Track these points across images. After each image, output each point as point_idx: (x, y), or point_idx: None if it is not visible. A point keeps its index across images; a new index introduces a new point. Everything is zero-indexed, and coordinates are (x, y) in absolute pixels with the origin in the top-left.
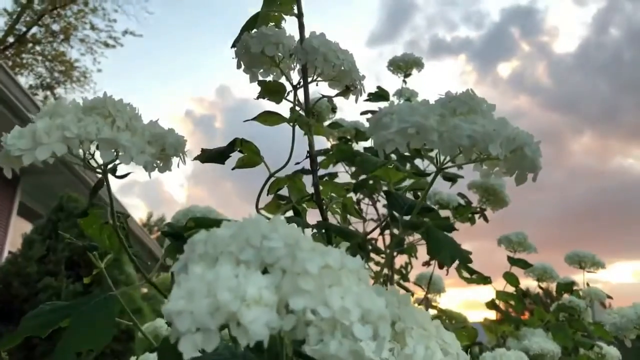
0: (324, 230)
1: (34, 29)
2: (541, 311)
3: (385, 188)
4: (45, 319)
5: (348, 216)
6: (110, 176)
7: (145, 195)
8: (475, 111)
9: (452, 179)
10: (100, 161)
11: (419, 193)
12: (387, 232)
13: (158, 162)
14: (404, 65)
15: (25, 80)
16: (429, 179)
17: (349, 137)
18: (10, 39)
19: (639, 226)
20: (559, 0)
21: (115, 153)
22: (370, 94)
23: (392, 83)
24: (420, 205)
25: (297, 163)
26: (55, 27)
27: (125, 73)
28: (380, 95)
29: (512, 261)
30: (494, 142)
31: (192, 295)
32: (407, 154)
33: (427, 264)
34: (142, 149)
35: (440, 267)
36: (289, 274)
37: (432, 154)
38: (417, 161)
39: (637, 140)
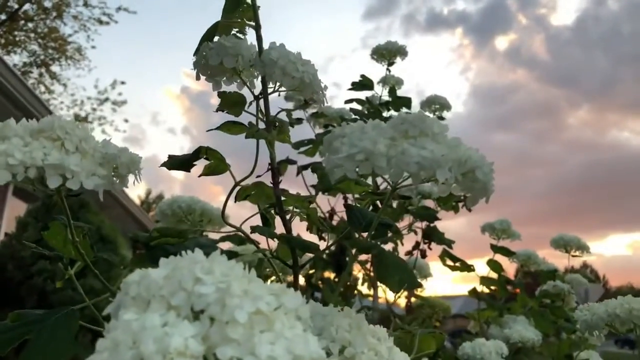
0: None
1: (26, 6)
2: (524, 298)
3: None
4: (8, 335)
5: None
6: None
7: (144, 172)
8: (427, 134)
9: (408, 197)
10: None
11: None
12: None
13: (114, 180)
14: (387, 54)
15: (19, 58)
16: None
17: (334, 125)
18: (2, 17)
19: (633, 199)
20: None
21: (63, 178)
22: (354, 83)
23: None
24: (377, 221)
25: (259, 176)
26: (48, 3)
27: (119, 49)
28: (364, 84)
29: (495, 249)
30: (441, 167)
31: (117, 346)
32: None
33: (409, 253)
34: (92, 172)
35: (423, 256)
36: (217, 322)
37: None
38: None
39: (634, 113)
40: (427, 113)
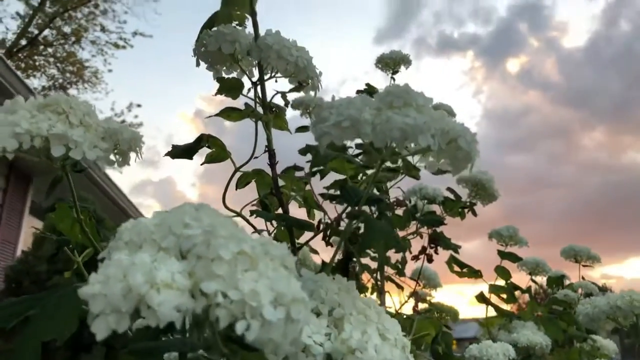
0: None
1: (46, 32)
2: (533, 304)
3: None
4: (11, 310)
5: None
6: (120, 178)
7: (159, 194)
8: (410, 105)
9: (393, 170)
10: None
11: (382, 186)
12: None
13: (117, 157)
14: (391, 63)
15: (38, 82)
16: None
17: None
18: (23, 42)
19: None
20: None
21: (66, 148)
22: (359, 91)
23: (406, 79)
24: (367, 196)
25: (256, 157)
26: (67, 29)
27: (135, 73)
28: (369, 92)
29: (502, 255)
30: (423, 133)
31: (108, 279)
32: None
33: (415, 258)
34: (94, 144)
35: (429, 260)
36: (203, 259)
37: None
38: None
39: None
40: None
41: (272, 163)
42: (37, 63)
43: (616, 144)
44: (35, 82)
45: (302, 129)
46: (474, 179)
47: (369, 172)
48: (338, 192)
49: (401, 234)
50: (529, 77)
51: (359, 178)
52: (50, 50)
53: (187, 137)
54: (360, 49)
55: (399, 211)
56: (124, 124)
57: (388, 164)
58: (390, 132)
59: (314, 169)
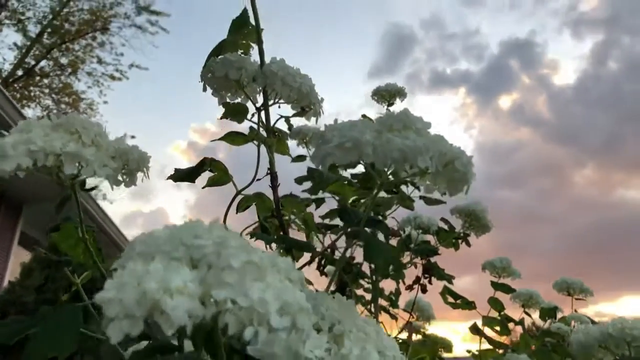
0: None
1: (43, 63)
2: (526, 336)
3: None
4: (13, 328)
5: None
6: (111, 209)
7: (149, 226)
8: (410, 128)
9: (395, 192)
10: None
11: (381, 213)
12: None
13: (124, 177)
14: (387, 95)
15: (32, 112)
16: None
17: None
18: (19, 72)
19: None
20: (557, 34)
21: (79, 166)
22: None
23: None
24: (367, 217)
25: (259, 179)
26: (64, 60)
27: (130, 105)
28: None
29: (496, 286)
30: (422, 155)
31: (123, 286)
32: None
33: (409, 287)
34: (104, 163)
35: (424, 291)
36: (214, 268)
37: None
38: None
39: (639, 172)
40: None
41: (274, 185)
42: (32, 94)
43: (606, 181)
44: (29, 113)
45: (299, 158)
46: (468, 210)
47: (364, 198)
48: (334, 221)
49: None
50: (520, 113)
51: (359, 202)
52: (46, 81)
53: (179, 167)
54: (354, 84)
55: (393, 241)
56: (134, 145)
57: (383, 194)
58: (390, 153)
59: (317, 193)
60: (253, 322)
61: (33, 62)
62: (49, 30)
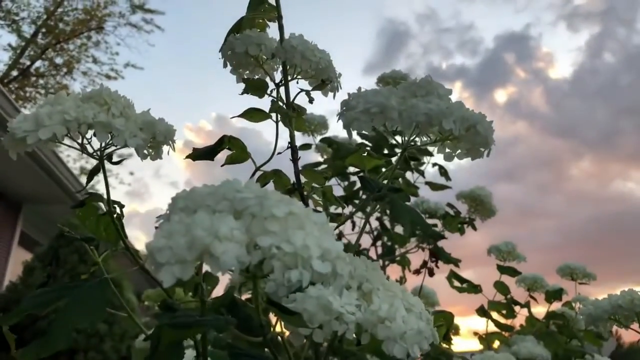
0: None
1: (38, 63)
2: (532, 319)
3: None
4: (44, 298)
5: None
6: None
7: (146, 226)
8: (432, 94)
9: (416, 158)
10: (97, 147)
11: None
12: (379, 243)
13: (150, 150)
14: (392, 82)
15: (29, 113)
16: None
17: None
18: (14, 73)
19: None
20: (552, 27)
21: (110, 136)
22: None
23: None
24: (388, 185)
25: (279, 153)
26: (59, 60)
27: None
28: None
29: (501, 269)
30: (447, 118)
31: (172, 234)
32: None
33: (417, 272)
34: (134, 133)
35: (431, 274)
36: (257, 217)
37: (398, 138)
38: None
39: (636, 164)
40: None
41: (295, 158)
42: (27, 94)
43: (604, 173)
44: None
45: (305, 146)
46: (473, 194)
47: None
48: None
49: (400, 250)
50: (517, 107)
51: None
52: (41, 81)
53: (175, 167)
54: (350, 79)
55: (400, 228)
56: (160, 118)
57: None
58: (416, 117)
59: (337, 161)
60: (297, 266)
61: (28, 63)
62: (43, 30)
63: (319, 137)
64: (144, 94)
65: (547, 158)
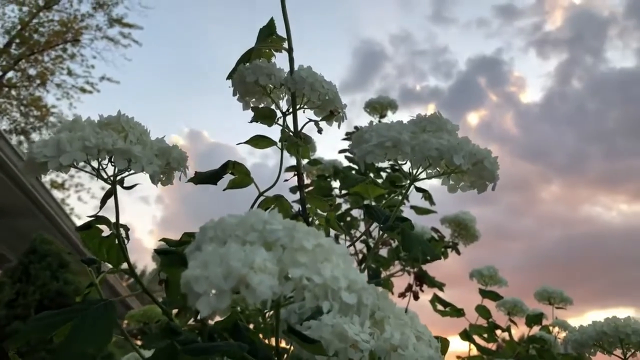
0: None
1: (10, 74)
2: (513, 343)
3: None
4: (50, 320)
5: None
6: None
7: None
8: (442, 129)
9: (424, 190)
10: (110, 173)
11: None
12: (363, 265)
13: (161, 176)
14: (379, 107)
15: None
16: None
17: (327, 175)
18: None
19: (608, 274)
20: (523, 52)
21: (127, 163)
22: (347, 133)
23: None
24: (395, 215)
25: (286, 180)
26: (32, 71)
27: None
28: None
29: (483, 293)
30: (457, 154)
31: (207, 264)
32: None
33: (402, 295)
34: (151, 160)
35: (416, 298)
36: (288, 249)
37: (405, 168)
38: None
39: (604, 189)
40: None
41: (301, 185)
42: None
43: (573, 197)
44: None
45: (292, 168)
46: (457, 219)
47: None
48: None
49: (385, 273)
50: (489, 130)
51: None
52: (14, 92)
53: (145, 184)
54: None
55: (384, 250)
56: (174, 145)
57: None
58: (428, 152)
59: (345, 190)
60: (328, 297)
61: (0, 73)
62: (17, 41)
63: (305, 160)
64: (117, 108)
65: (518, 181)
